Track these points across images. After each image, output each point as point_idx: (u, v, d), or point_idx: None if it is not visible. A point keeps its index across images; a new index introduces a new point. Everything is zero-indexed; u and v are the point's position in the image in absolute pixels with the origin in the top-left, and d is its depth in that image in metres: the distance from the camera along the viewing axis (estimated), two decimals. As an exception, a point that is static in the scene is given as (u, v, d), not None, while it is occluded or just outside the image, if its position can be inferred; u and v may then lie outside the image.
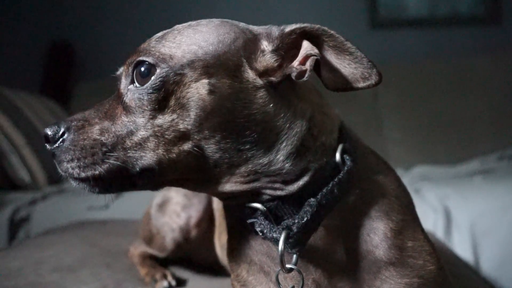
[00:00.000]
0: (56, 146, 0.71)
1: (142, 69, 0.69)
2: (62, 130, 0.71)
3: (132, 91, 0.70)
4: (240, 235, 0.80)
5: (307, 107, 0.74)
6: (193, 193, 1.22)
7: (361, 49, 0.72)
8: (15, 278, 1.12)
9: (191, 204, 1.19)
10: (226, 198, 0.76)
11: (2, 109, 2.60)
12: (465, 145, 2.99)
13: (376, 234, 0.74)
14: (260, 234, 0.71)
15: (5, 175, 2.61)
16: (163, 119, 0.68)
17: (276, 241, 0.69)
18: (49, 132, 0.72)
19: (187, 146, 0.68)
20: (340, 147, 0.74)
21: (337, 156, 0.73)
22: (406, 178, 2.12)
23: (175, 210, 1.20)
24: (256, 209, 0.72)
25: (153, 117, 0.68)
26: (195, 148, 0.68)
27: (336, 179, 0.71)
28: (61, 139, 0.71)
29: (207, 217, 1.20)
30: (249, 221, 0.72)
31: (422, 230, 0.80)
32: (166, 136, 0.68)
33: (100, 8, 4.01)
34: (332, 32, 0.71)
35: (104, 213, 2.09)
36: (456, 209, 1.87)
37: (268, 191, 0.71)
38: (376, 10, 3.81)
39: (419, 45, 3.74)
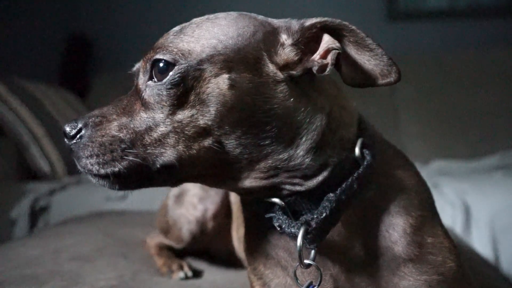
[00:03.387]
0: (74, 142, 0.71)
1: (161, 65, 0.69)
2: (79, 126, 0.71)
3: (150, 87, 0.70)
4: (257, 229, 0.80)
5: (326, 100, 0.73)
6: (210, 186, 1.22)
7: (380, 44, 0.70)
8: (34, 266, 1.14)
9: (208, 196, 1.19)
10: (244, 193, 0.75)
11: (23, 101, 2.64)
12: (484, 139, 2.94)
13: (395, 230, 0.73)
14: (278, 229, 0.71)
15: (25, 166, 2.66)
16: (183, 115, 0.67)
17: (294, 236, 0.69)
18: (67, 128, 0.72)
19: (207, 142, 0.68)
20: (359, 141, 0.73)
21: (356, 150, 0.73)
22: (424, 173, 2.08)
23: (192, 201, 1.20)
24: (274, 203, 0.72)
25: (173, 113, 0.68)
26: (215, 144, 0.68)
27: (355, 174, 0.70)
28: (78, 135, 0.71)
29: (224, 210, 1.20)
30: (267, 215, 0.72)
31: (442, 226, 0.79)
32: (186, 132, 0.67)
33: (118, 0, 4.03)
34: (353, 27, 0.70)
35: (122, 204, 2.11)
36: (475, 205, 1.84)
37: (287, 187, 0.71)
38: (394, 1, 3.76)
39: (438, 37, 3.68)
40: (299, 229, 0.68)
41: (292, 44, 0.70)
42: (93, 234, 1.43)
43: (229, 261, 1.27)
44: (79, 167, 0.72)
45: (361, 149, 0.73)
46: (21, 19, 3.42)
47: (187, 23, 0.73)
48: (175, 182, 0.74)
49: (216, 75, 0.67)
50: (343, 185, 0.69)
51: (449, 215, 1.82)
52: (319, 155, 0.70)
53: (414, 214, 0.75)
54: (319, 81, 0.74)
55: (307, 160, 0.70)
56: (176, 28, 0.73)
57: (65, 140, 0.73)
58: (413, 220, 0.74)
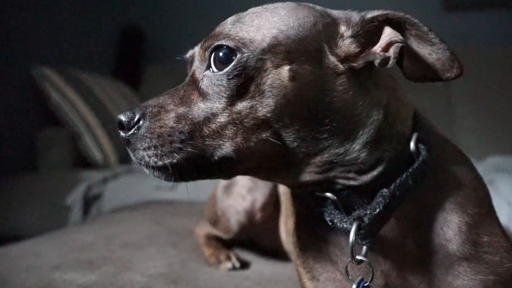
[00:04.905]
0: (131, 133, 0.69)
1: (221, 54, 0.67)
2: (137, 116, 0.69)
3: (209, 77, 0.69)
4: (307, 222, 0.79)
5: (383, 94, 0.71)
6: (259, 177, 1.22)
7: (443, 38, 0.68)
8: (88, 251, 1.18)
9: (257, 187, 1.19)
10: (297, 187, 0.74)
11: (78, 91, 2.72)
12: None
13: (450, 228, 0.71)
14: (330, 223, 0.70)
15: (79, 155, 2.75)
16: (242, 106, 0.66)
17: (346, 232, 0.68)
18: (123, 118, 0.70)
19: (265, 134, 0.66)
20: (414, 136, 0.71)
21: (412, 145, 0.70)
22: (479, 169, 1.99)
23: (240, 192, 1.20)
24: (326, 198, 0.70)
25: (232, 104, 0.66)
26: (273, 137, 0.66)
27: (410, 170, 0.68)
28: (136, 126, 0.69)
29: (273, 201, 1.20)
30: (319, 210, 0.71)
31: (499, 224, 0.75)
32: (245, 124, 0.66)
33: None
34: (416, 20, 0.68)
35: (171, 193, 2.14)
36: (534, 203, 1.75)
37: (341, 181, 0.70)
38: (451, -9, 3.62)
39: (496, 28, 3.52)
40: (351, 224, 0.67)
41: (352, 36, 0.68)
42: (144, 222, 1.47)
43: (277, 253, 1.26)
44: (134, 159, 0.70)
45: (416, 144, 0.71)
46: (76, 11, 3.53)
47: (244, 13, 0.72)
48: (230, 175, 0.72)
49: (277, 66, 0.65)
50: (397, 181, 0.67)
51: (506, 213, 1.74)
52: (375, 150, 0.68)
53: (470, 211, 0.72)
54: (376, 74, 0.72)
55: (363, 154, 0.68)
56: (233, 17, 0.71)
57: (120, 131, 0.71)
58: (469, 218, 0.71)
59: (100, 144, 2.67)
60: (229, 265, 1.15)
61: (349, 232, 0.67)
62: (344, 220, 0.68)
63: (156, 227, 1.42)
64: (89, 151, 2.67)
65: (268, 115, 0.65)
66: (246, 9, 0.73)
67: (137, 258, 1.15)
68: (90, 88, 2.81)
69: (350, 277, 0.71)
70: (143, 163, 0.69)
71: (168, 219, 1.53)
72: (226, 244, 1.29)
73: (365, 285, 0.70)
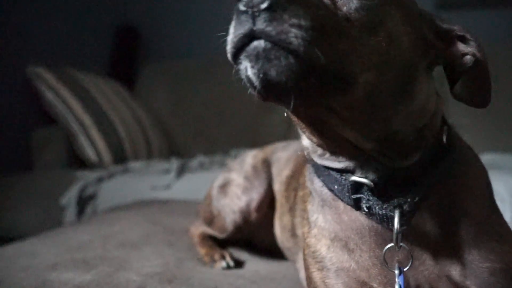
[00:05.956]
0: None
1: None
2: None
3: None
4: (324, 210, 0.79)
5: (434, 86, 0.75)
6: (254, 176, 1.23)
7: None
8: (84, 251, 1.18)
9: (252, 187, 1.20)
10: (337, 150, 0.72)
11: (72, 90, 2.71)
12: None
13: (468, 218, 0.74)
14: (366, 210, 0.71)
15: (74, 154, 2.75)
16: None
17: (384, 219, 0.70)
18: None
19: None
20: (445, 129, 0.75)
21: (444, 138, 0.74)
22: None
23: (236, 192, 1.21)
24: (362, 184, 0.71)
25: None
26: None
27: (445, 161, 0.72)
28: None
29: (268, 200, 1.21)
30: (354, 196, 0.71)
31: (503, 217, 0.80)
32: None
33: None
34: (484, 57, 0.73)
35: (166, 193, 2.15)
36: (526, 200, 1.77)
37: (383, 159, 0.70)
38: (444, -12, 3.63)
39: (489, 27, 3.53)
40: (392, 211, 0.69)
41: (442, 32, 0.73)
42: (140, 222, 1.47)
43: (271, 251, 1.27)
44: (261, 27, 0.54)
45: (447, 137, 0.74)
46: (71, 10, 3.52)
47: None
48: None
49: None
50: (435, 170, 0.71)
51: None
52: (420, 136, 0.71)
53: (485, 204, 0.76)
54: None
55: (411, 137, 0.70)
56: None
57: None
58: (484, 210, 0.75)
59: (95, 144, 2.66)
60: (223, 264, 1.15)
61: (388, 219, 0.69)
62: (384, 207, 0.70)
63: (152, 227, 1.43)
64: (84, 150, 2.67)
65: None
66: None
67: (133, 257, 1.15)
68: (85, 88, 2.81)
69: (388, 265, 0.72)
70: (281, 38, 0.54)
71: (164, 218, 1.54)
72: (221, 243, 1.30)
73: (404, 270, 0.71)
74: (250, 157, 1.31)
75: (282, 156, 1.27)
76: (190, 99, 3.46)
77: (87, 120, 2.67)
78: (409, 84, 0.67)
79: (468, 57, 0.73)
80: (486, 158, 2.47)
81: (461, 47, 0.73)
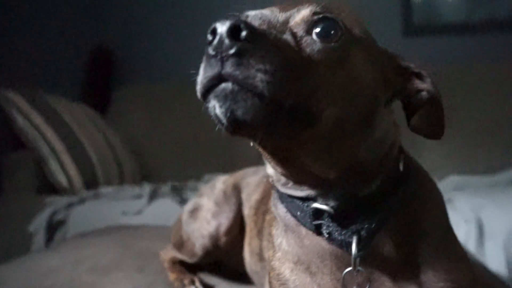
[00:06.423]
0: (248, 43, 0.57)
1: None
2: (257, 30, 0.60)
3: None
4: (288, 234, 0.82)
5: (393, 118, 0.79)
6: (224, 201, 1.25)
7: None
8: (54, 276, 1.18)
9: (222, 212, 1.22)
10: (300, 180, 0.74)
11: (44, 115, 2.68)
12: (506, 153, 2.90)
13: (426, 239, 0.77)
14: (327, 236, 0.73)
15: (44, 179, 2.71)
16: None
17: (343, 245, 0.73)
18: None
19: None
20: (401, 157, 0.78)
21: (401, 166, 0.77)
22: (439, 187, 2.05)
23: (205, 217, 1.22)
24: (323, 211, 0.73)
25: None
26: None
27: (403, 186, 0.76)
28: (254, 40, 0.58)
29: (237, 225, 1.22)
30: (315, 222, 0.74)
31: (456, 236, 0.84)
32: None
33: (139, 15, 4.11)
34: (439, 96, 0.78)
35: (138, 218, 2.14)
36: (490, 221, 1.81)
37: (345, 187, 0.72)
38: (409, 16, 3.76)
39: (454, 52, 3.67)
40: (350, 237, 0.72)
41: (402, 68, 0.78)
42: (111, 246, 1.46)
43: (242, 276, 1.28)
44: (229, 72, 0.57)
45: (403, 164, 0.78)
46: (44, 33, 3.51)
47: None
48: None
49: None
50: (393, 197, 0.74)
51: (463, 230, 1.80)
52: (380, 164, 0.74)
53: (442, 224, 0.81)
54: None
55: (372, 166, 0.73)
56: None
57: (226, 40, 0.57)
58: (440, 231, 0.79)
59: (66, 169, 2.64)
60: (192, 289, 1.16)
61: (347, 244, 0.72)
62: (342, 233, 0.72)
63: (123, 251, 1.42)
64: (54, 176, 2.63)
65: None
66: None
67: (103, 283, 1.15)
68: (56, 112, 2.79)
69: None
70: (247, 82, 0.57)
71: (135, 243, 1.53)
72: (191, 268, 1.30)
73: None
74: (221, 183, 1.33)
75: (252, 181, 1.29)
76: (164, 123, 3.46)
77: (58, 145, 2.65)
78: (371, 117, 0.71)
79: (423, 93, 0.77)
80: (452, 180, 2.56)
81: (418, 83, 0.78)
